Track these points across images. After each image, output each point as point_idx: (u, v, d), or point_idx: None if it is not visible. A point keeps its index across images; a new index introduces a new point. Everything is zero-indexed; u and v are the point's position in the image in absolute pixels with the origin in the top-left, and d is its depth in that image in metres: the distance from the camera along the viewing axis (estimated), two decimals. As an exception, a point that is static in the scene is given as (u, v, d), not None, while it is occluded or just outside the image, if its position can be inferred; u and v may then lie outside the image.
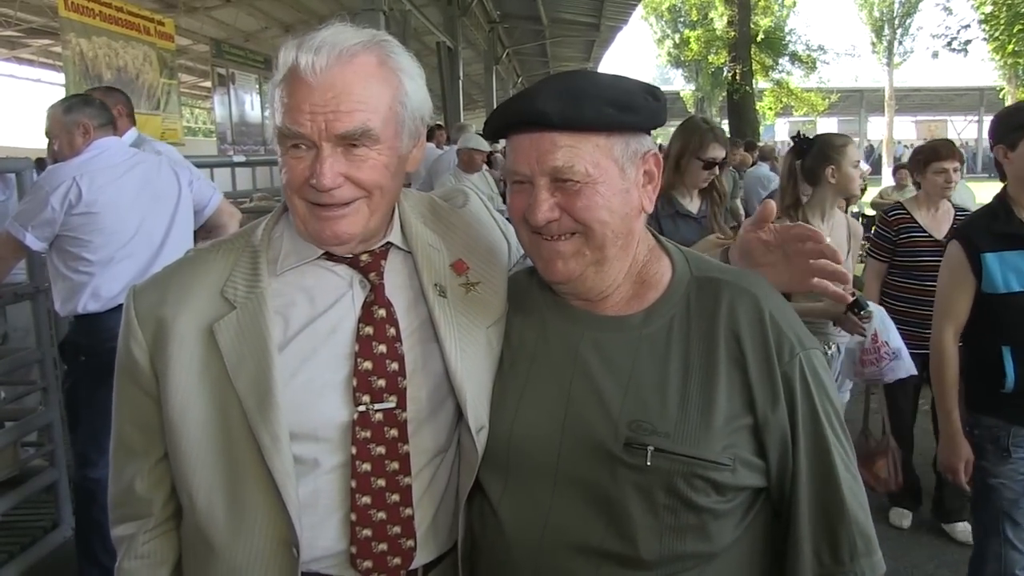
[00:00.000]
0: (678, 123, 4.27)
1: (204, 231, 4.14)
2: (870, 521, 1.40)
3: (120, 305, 3.61)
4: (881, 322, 3.64)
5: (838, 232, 3.81)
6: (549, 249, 1.41)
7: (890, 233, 4.56)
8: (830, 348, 3.71)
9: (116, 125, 3.90)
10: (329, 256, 1.44)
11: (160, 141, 5.17)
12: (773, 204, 1.59)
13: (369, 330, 1.41)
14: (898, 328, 3.72)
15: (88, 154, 3.69)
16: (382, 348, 1.41)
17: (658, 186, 1.46)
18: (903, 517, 4.75)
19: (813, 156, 3.77)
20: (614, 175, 1.38)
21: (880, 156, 37.77)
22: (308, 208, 1.36)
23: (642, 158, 1.42)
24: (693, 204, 3.99)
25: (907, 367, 3.66)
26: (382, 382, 1.40)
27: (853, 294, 3.31)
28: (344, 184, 1.33)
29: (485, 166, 8.72)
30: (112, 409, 1.48)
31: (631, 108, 1.37)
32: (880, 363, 3.63)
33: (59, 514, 4.44)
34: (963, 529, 4.45)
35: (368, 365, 1.40)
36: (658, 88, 1.45)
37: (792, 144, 3.92)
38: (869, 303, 3.67)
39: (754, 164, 11.54)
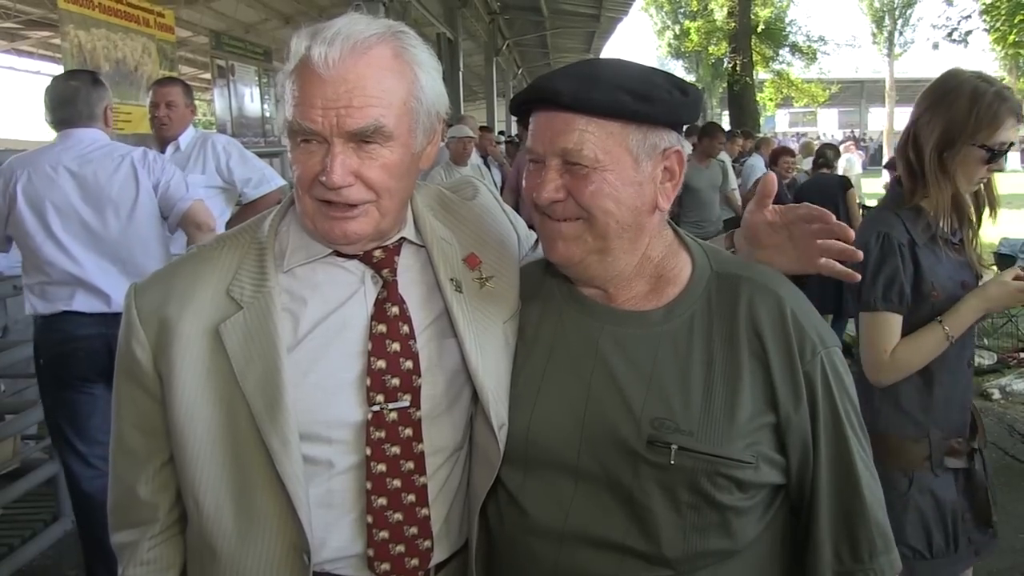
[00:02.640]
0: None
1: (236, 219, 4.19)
2: (887, 520, 1.41)
3: (66, 311, 3.48)
4: None
5: None
6: (552, 228, 1.41)
7: None
8: None
9: (87, 115, 3.63)
10: (340, 252, 1.41)
11: (220, 134, 5.35)
12: (774, 177, 1.58)
13: (382, 328, 1.39)
14: None
15: (51, 145, 3.59)
16: (396, 346, 1.38)
17: (678, 184, 1.43)
18: None
19: None
20: (627, 165, 1.36)
21: (881, 147, 37.68)
22: (317, 206, 1.32)
23: (662, 154, 1.39)
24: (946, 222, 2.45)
25: None
26: (396, 381, 1.37)
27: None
28: (355, 184, 1.29)
29: (480, 158, 8.67)
30: (112, 412, 1.44)
31: (648, 98, 1.34)
32: None
33: (59, 507, 4.44)
34: None
35: (381, 364, 1.37)
36: (691, 84, 1.42)
37: None
38: None
39: (749, 155, 11.51)
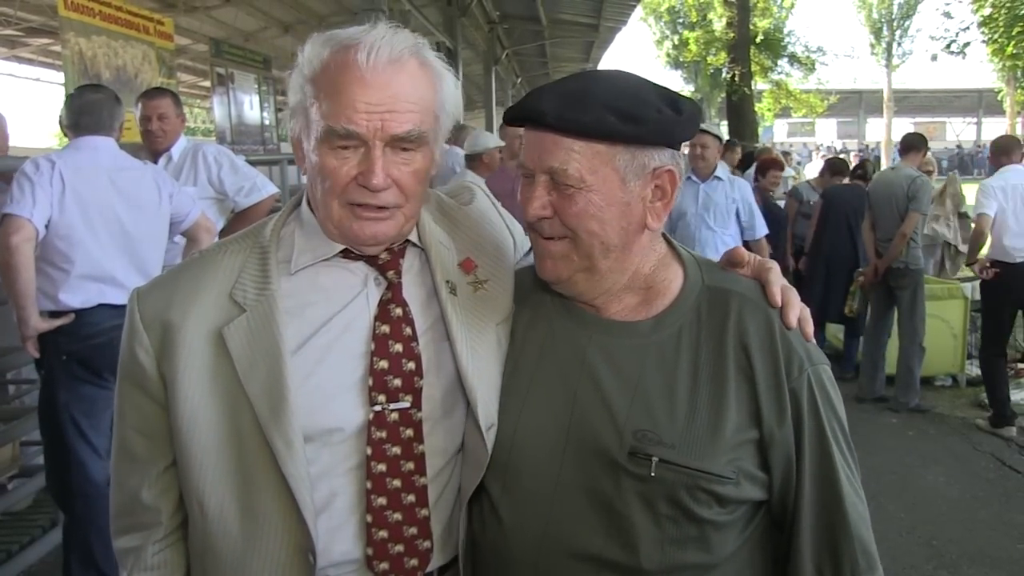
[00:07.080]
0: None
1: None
2: (872, 538, 1.39)
3: (100, 304, 3.57)
4: None
5: None
6: (541, 246, 1.41)
7: None
8: None
9: (108, 126, 3.89)
10: (346, 254, 1.42)
11: (211, 144, 5.47)
12: (742, 251, 1.50)
13: (386, 329, 1.40)
14: None
15: (76, 149, 3.74)
16: (398, 347, 1.40)
17: (670, 203, 1.40)
18: None
19: None
20: (613, 185, 1.34)
21: (879, 158, 37.73)
22: (347, 209, 1.34)
23: (652, 173, 1.36)
24: None
25: None
26: (398, 381, 1.39)
27: None
28: (391, 187, 1.32)
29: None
30: (114, 417, 1.45)
31: (634, 119, 1.31)
32: None
33: (58, 513, 4.43)
34: None
35: (384, 364, 1.38)
36: (687, 99, 1.39)
37: None
38: None
39: (749, 167, 11.47)
